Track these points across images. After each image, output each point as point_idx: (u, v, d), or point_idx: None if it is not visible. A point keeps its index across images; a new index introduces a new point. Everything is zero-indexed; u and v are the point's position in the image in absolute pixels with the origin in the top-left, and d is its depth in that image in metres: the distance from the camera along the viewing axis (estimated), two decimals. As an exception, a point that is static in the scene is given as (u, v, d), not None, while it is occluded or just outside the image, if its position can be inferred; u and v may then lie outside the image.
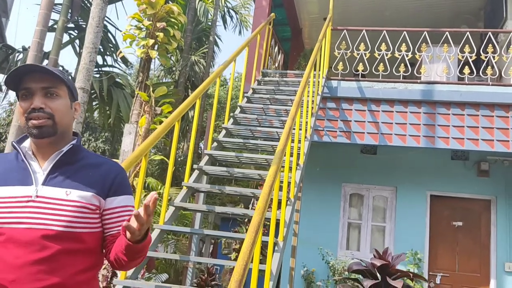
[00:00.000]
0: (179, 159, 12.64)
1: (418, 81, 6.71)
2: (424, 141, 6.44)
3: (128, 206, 1.64)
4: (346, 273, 5.98)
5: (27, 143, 1.59)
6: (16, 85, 1.55)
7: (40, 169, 1.54)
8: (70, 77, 1.68)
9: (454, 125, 6.42)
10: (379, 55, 6.82)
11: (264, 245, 3.47)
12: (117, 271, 4.10)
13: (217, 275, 7.00)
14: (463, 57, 6.68)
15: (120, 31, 11.61)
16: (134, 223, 1.38)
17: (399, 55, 6.78)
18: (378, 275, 4.70)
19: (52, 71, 1.54)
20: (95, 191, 1.56)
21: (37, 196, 1.48)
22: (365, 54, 6.90)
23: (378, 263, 4.63)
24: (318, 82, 6.04)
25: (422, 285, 6.52)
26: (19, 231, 1.43)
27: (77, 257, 1.48)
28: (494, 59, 6.61)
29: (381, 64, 6.75)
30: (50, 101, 1.53)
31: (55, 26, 8.98)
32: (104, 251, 1.62)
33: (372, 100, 6.69)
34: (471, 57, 6.60)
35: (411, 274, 4.86)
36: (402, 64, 6.75)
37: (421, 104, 6.57)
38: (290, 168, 4.31)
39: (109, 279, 4.48)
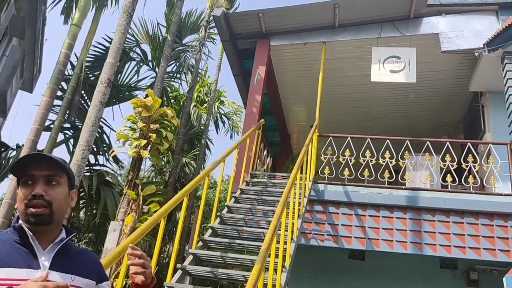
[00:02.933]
0: (164, 261, 12.26)
1: (403, 187, 6.87)
2: (411, 247, 6.40)
3: None
4: None
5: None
6: (19, 172, 1.59)
7: (42, 253, 1.54)
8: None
9: (440, 232, 6.44)
10: (364, 161, 7.06)
11: None
12: None
13: None
14: (444, 165, 6.92)
15: (115, 131, 11.94)
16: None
17: (383, 161, 7.02)
18: None
19: (56, 160, 1.62)
20: (93, 277, 1.65)
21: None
22: (350, 159, 7.14)
23: None
24: (305, 184, 6.16)
25: None
26: None
27: None
28: (475, 168, 6.86)
29: (366, 169, 6.95)
30: (50, 189, 1.58)
31: (51, 125, 9.28)
32: None
33: (359, 205, 6.77)
34: (452, 165, 6.85)
35: None
36: (387, 171, 6.96)
37: (407, 210, 6.65)
38: (276, 270, 4.23)
39: None
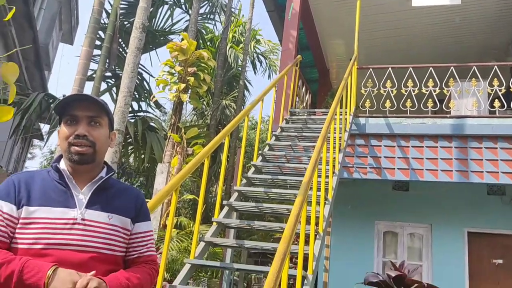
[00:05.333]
0: (212, 200, 12.76)
1: (448, 115, 6.67)
2: (457, 175, 6.32)
3: (149, 232, 1.75)
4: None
5: (63, 165, 1.63)
6: (63, 111, 1.63)
7: (79, 192, 1.59)
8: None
9: (487, 159, 6.29)
10: (406, 91, 6.86)
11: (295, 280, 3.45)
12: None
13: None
14: (492, 90, 6.64)
15: (154, 77, 12.12)
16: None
17: (427, 90, 6.80)
18: (395, 286, 4.54)
19: (100, 102, 1.66)
20: (130, 216, 1.67)
21: (82, 219, 1.53)
22: (392, 91, 6.96)
23: (393, 274, 4.51)
24: (346, 119, 6.11)
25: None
26: (69, 253, 1.48)
27: None
28: (525, 91, 6.54)
29: (409, 100, 6.77)
30: (93, 129, 1.62)
31: (94, 75, 9.51)
32: None
33: (401, 136, 6.67)
34: (500, 90, 6.55)
35: (426, 285, 4.65)
36: (430, 100, 6.76)
37: (452, 139, 6.50)
38: (319, 203, 4.33)
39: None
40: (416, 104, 6.76)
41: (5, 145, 11.71)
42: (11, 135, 10.10)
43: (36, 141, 19.94)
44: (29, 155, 20.90)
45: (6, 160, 13.30)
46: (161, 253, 3.85)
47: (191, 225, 7.89)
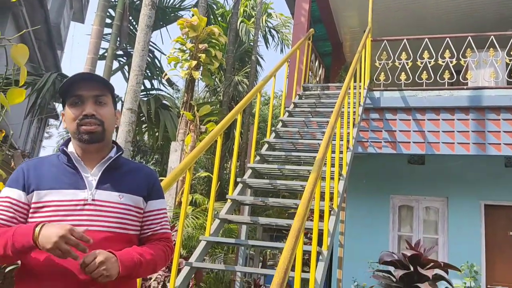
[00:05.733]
0: (226, 177, 12.84)
1: (465, 87, 6.53)
2: (474, 148, 6.22)
3: (163, 209, 1.75)
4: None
5: (71, 148, 1.64)
6: (67, 92, 1.63)
7: (89, 173, 1.60)
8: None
9: (505, 131, 6.17)
10: (421, 63, 6.72)
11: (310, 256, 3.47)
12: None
13: (264, 288, 7.00)
14: (510, 60, 6.46)
15: (165, 55, 12.06)
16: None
17: (443, 62, 6.64)
18: (410, 266, 4.52)
19: (104, 80, 1.66)
20: (142, 194, 1.66)
21: (93, 200, 1.55)
22: (407, 63, 6.81)
23: (409, 253, 4.49)
24: (360, 93, 6.02)
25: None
26: None
27: None
28: (545, 61, 6.34)
29: (424, 72, 6.63)
30: (99, 108, 1.61)
31: (106, 54, 9.49)
32: None
33: (417, 109, 6.56)
34: (519, 60, 6.37)
35: (442, 264, 4.63)
36: (447, 71, 6.61)
37: (469, 111, 6.37)
38: (333, 179, 4.31)
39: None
40: (432, 76, 6.62)
41: (22, 126, 11.85)
42: (27, 115, 10.20)
43: (52, 121, 20.16)
44: (45, 135, 21.19)
45: (23, 140, 13.49)
46: (176, 230, 3.88)
47: (206, 202, 7.96)
